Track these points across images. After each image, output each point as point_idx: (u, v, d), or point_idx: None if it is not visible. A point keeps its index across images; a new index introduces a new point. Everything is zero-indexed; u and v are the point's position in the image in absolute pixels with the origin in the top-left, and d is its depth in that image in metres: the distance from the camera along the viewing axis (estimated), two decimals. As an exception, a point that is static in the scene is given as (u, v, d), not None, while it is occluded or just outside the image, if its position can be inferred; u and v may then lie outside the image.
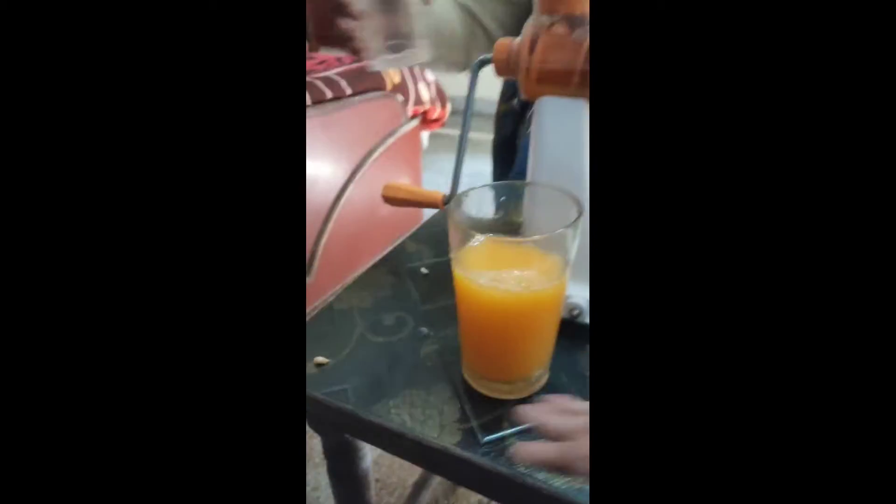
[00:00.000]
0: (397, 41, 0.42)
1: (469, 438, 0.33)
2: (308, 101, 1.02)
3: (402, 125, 1.23)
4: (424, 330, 0.43)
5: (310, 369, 0.39)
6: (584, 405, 0.28)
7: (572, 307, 0.42)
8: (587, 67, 0.35)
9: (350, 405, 0.36)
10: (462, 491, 0.84)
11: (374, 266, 0.52)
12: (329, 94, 1.05)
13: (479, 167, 0.90)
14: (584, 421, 0.26)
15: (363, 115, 1.14)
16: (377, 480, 0.87)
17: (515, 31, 0.38)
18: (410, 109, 1.25)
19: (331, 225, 1.09)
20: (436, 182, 1.62)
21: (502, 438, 0.33)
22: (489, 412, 0.35)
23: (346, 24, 0.43)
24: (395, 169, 1.27)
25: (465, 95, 0.43)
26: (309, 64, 1.13)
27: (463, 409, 0.35)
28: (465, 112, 0.43)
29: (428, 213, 0.61)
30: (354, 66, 1.13)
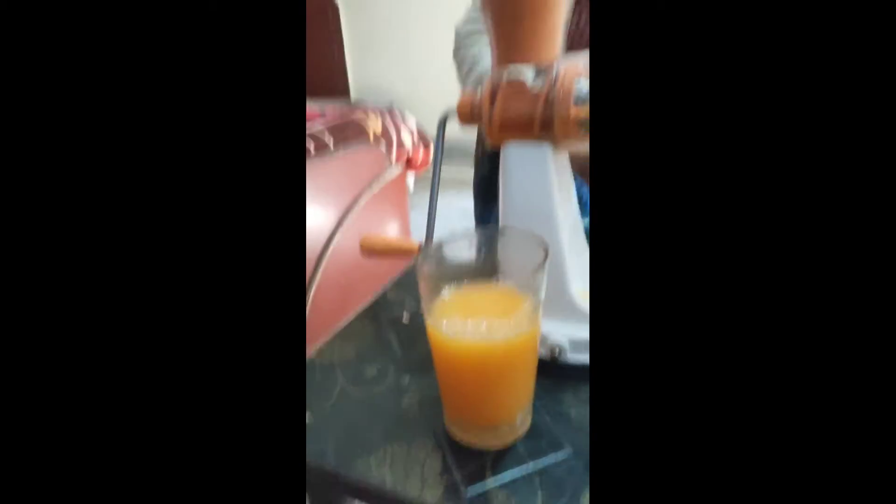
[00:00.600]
0: None
1: (452, 492, 0.32)
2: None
3: (386, 170, 1.25)
4: (406, 380, 0.42)
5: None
6: None
7: (554, 346, 0.42)
8: (547, 115, 0.36)
9: (330, 464, 0.35)
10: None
11: (357, 317, 0.52)
12: (312, 148, 1.07)
13: (468, 204, 0.91)
14: None
15: (348, 165, 1.16)
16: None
17: None
18: (395, 156, 1.28)
19: (319, 275, 1.09)
20: (422, 220, 1.65)
21: (486, 493, 0.32)
22: (472, 462, 0.34)
23: None
24: (384, 215, 1.28)
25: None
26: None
27: (445, 461, 0.34)
28: (435, 166, 0.44)
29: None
30: (337, 119, 1.16)
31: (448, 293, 0.33)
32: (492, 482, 0.32)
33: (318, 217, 1.11)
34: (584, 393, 0.39)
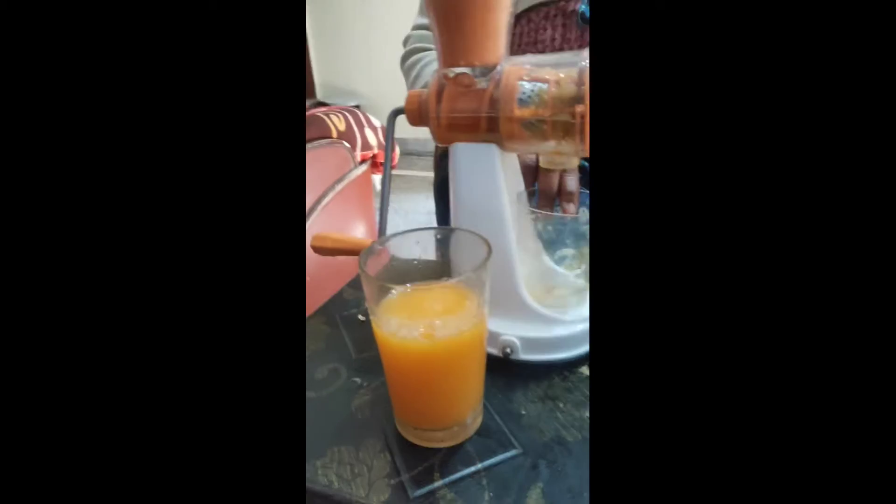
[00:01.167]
0: None
1: (399, 494, 0.32)
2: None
3: (351, 170, 1.24)
4: (357, 380, 0.42)
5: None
6: None
7: (505, 345, 0.42)
8: (493, 115, 0.36)
9: (276, 469, 0.34)
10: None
11: (311, 317, 0.51)
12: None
13: (433, 205, 0.92)
14: None
15: (311, 162, 1.15)
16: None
17: None
18: (359, 155, 1.27)
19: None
20: (392, 221, 1.65)
21: (433, 492, 0.32)
22: (420, 462, 0.34)
23: None
24: (349, 214, 1.27)
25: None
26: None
27: (393, 462, 0.34)
28: (386, 163, 0.44)
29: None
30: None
31: (396, 293, 0.33)
32: (439, 483, 0.32)
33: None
34: (535, 392, 0.40)
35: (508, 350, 0.42)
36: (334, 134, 1.20)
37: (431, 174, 0.86)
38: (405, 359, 0.33)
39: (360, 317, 0.51)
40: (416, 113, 0.39)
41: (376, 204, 1.42)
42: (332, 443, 0.36)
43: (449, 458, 0.34)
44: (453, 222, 0.41)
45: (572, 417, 0.37)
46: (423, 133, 0.39)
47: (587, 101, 0.33)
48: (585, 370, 0.41)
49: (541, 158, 0.43)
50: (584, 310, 0.43)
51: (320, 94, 2.75)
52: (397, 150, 1.40)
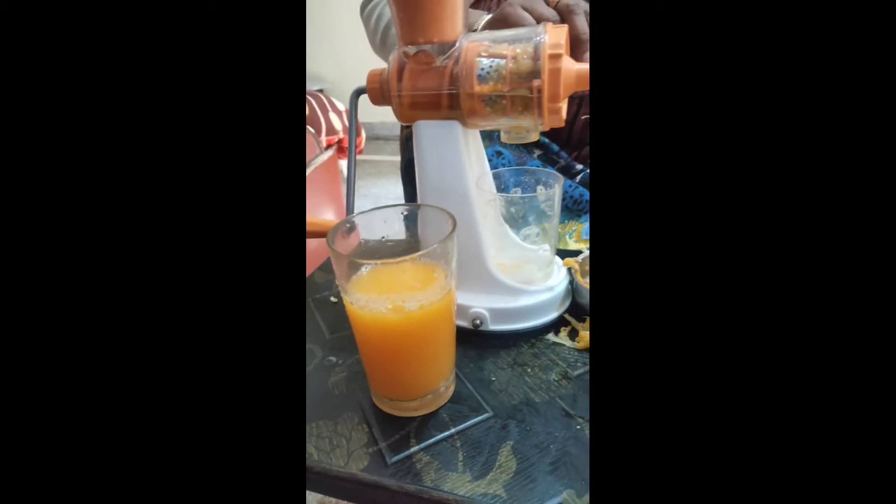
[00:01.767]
0: None
1: (377, 461, 0.33)
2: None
3: (316, 156, 1.23)
4: (333, 359, 0.43)
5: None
6: None
7: (475, 317, 0.43)
8: (454, 92, 0.37)
9: (256, 447, 0.35)
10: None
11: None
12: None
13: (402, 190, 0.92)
14: None
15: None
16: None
17: None
18: (324, 140, 1.25)
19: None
20: (362, 206, 1.65)
21: (409, 456, 0.33)
22: (397, 431, 0.35)
23: None
24: (317, 200, 1.26)
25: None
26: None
27: (371, 433, 0.35)
28: (350, 143, 0.44)
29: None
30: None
31: (365, 270, 0.33)
32: (415, 448, 0.34)
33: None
34: (504, 359, 0.41)
35: (478, 322, 0.43)
36: (298, 119, 1.18)
37: (399, 158, 0.86)
38: (377, 332, 0.34)
39: (333, 298, 0.52)
40: (378, 91, 0.40)
41: (344, 189, 1.41)
42: (311, 418, 0.37)
43: (424, 425, 0.35)
44: (420, 200, 0.42)
45: (539, 380, 0.38)
46: (391, 117, 0.39)
47: (545, 76, 0.34)
48: (551, 337, 0.43)
49: (502, 133, 0.44)
50: (550, 281, 0.45)
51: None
52: (363, 132, 1.38)
